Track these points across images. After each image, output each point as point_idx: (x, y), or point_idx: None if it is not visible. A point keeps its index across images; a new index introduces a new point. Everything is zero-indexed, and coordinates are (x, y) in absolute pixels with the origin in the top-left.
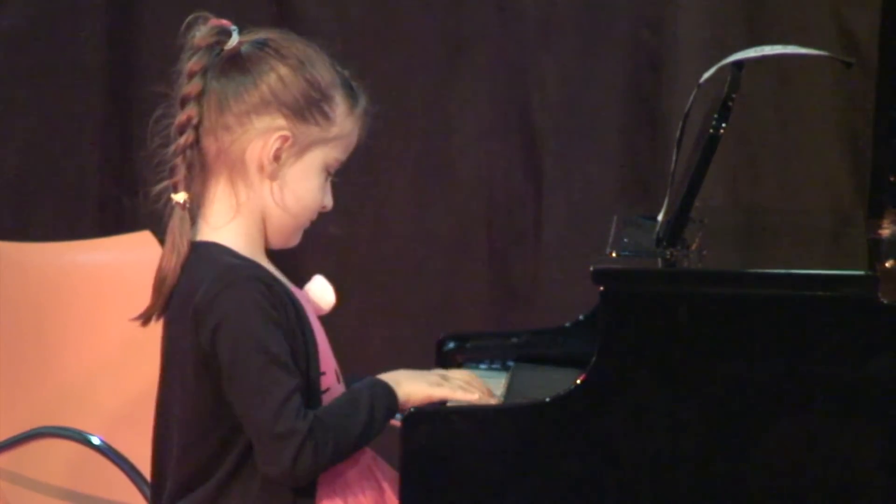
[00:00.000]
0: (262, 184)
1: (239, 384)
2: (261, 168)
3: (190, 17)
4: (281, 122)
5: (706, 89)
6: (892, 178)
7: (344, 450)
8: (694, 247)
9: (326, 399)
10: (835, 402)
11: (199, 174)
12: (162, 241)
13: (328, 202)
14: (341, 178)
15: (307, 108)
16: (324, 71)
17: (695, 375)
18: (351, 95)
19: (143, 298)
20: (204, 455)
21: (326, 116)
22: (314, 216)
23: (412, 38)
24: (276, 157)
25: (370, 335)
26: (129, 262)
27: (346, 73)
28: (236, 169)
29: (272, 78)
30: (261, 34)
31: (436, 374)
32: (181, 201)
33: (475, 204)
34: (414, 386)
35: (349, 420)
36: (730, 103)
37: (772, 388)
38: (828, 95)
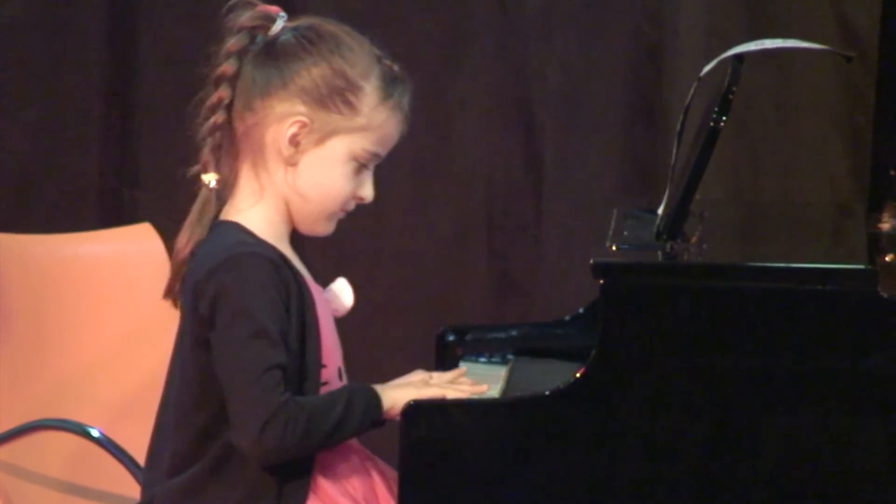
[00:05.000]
0: (280, 168)
1: (225, 349)
2: (279, 152)
3: (233, 1)
4: (300, 107)
5: (707, 82)
6: (892, 173)
7: (314, 439)
8: (694, 240)
9: (323, 392)
10: (835, 396)
11: (228, 156)
12: (162, 234)
13: (364, 193)
14: None
15: (329, 95)
16: (357, 61)
17: (694, 369)
18: (386, 87)
19: (144, 290)
20: (193, 434)
21: (351, 106)
22: (345, 206)
23: (412, 32)
24: (295, 143)
25: (370, 328)
26: (130, 254)
27: (392, 65)
28: (259, 152)
29: (298, 65)
30: (304, 20)
31: (418, 374)
32: (208, 182)
33: (475, 197)
34: (400, 392)
35: (324, 410)
36: (730, 96)
37: (771, 381)
38: (828, 89)
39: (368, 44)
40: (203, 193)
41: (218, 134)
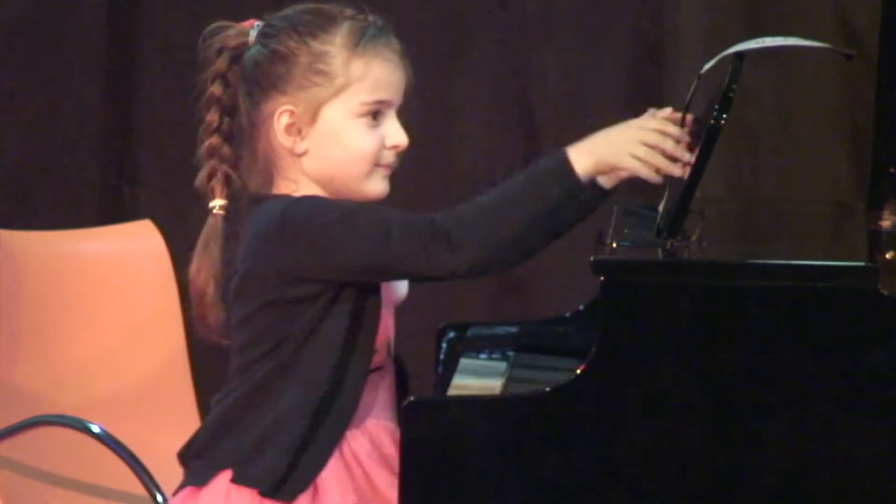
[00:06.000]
0: (297, 161)
1: (330, 241)
2: (287, 148)
3: (209, 28)
4: (282, 98)
5: (707, 81)
6: (892, 170)
7: (494, 220)
8: (694, 238)
9: (372, 378)
10: (835, 392)
11: (258, 173)
12: (162, 230)
13: (396, 139)
14: None
15: (301, 75)
16: (317, 30)
17: (694, 365)
18: (354, 39)
19: (144, 286)
20: (246, 353)
21: (324, 73)
22: (381, 160)
23: (413, 31)
24: (293, 132)
25: None
26: (130, 251)
27: (360, 16)
28: (276, 157)
29: (267, 64)
30: (262, 20)
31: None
32: (213, 208)
33: (476, 194)
34: (597, 143)
35: (490, 193)
36: (731, 94)
37: (772, 378)
38: (828, 87)
39: (330, 7)
40: (209, 221)
41: (216, 156)
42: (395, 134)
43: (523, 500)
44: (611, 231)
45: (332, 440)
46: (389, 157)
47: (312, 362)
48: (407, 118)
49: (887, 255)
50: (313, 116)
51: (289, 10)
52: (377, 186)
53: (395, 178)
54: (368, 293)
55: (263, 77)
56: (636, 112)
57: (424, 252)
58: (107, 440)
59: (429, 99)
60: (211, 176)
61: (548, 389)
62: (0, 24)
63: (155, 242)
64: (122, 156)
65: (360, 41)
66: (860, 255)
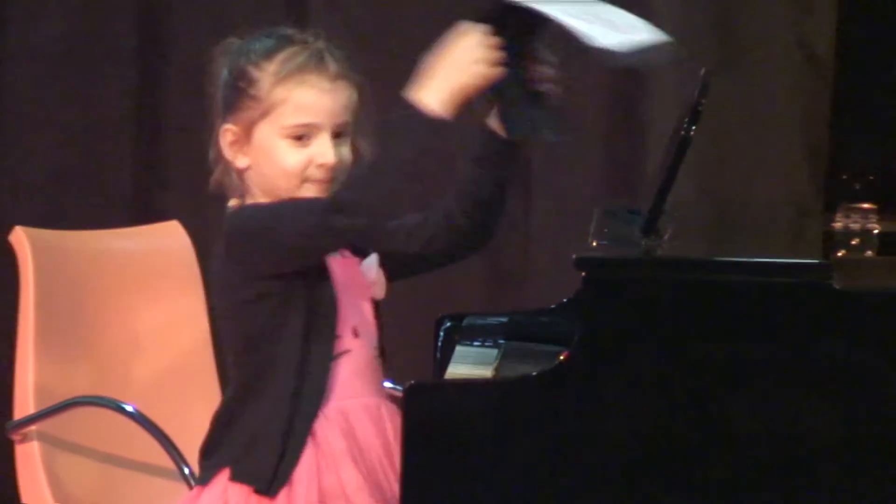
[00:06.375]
0: (247, 174)
1: (252, 216)
2: (235, 166)
3: (220, 44)
4: (228, 117)
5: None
6: (845, 176)
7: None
8: (667, 237)
9: (343, 363)
10: (793, 378)
11: (235, 189)
12: (189, 231)
13: (321, 159)
14: None
15: (238, 98)
16: (255, 56)
17: (666, 352)
18: (282, 67)
19: (173, 281)
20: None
21: (253, 97)
22: (307, 175)
23: (412, 48)
24: (234, 149)
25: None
26: (160, 249)
27: (300, 38)
28: (240, 176)
29: (214, 89)
30: (229, 41)
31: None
32: (229, 208)
33: None
34: (445, 77)
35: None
36: (699, 108)
37: (735, 362)
38: (789, 101)
39: (282, 34)
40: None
41: (222, 160)
42: (321, 154)
43: (513, 472)
44: (592, 231)
45: (305, 430)
46: (318, 173)
47: (282, 356)
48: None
49: (839, 254)
50: (248, 135)
51: (253, 35)
52: (318, 194)
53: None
54: (319, 284)
55: (221, 96)
56: (615, 124)
57: (324, 224)
58: (139, 419)
59: None
60: (222, 177)
61: (535, 374)
62: (41, 43)
63: (182, 241)
64: (151, 162)
65: (285, 68)
66: (815, 253)
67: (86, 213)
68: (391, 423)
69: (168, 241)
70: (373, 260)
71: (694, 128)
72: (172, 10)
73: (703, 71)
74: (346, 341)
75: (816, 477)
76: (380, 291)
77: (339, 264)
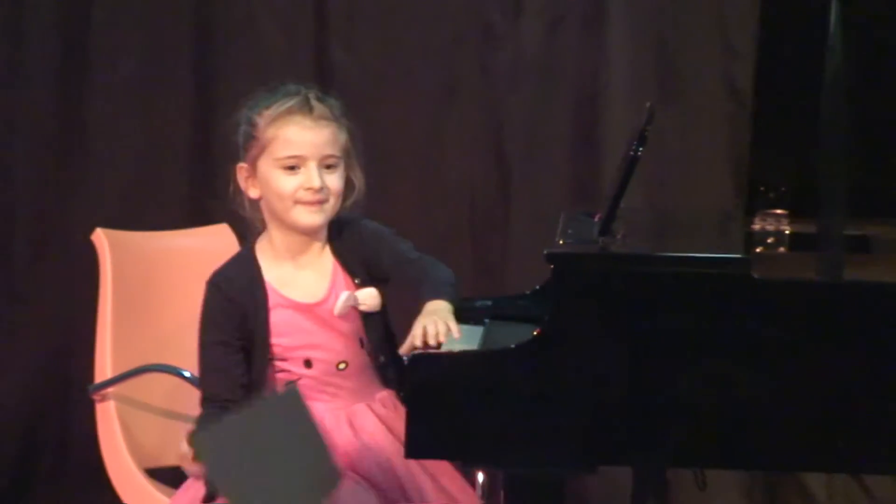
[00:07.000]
0: (262, 204)
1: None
2: (249, 196)
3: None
4: (243, 156)
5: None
6: (762, 189)
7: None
8: (619, 236)
9: (302, 385)
10: (717, 349)
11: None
12: (235, 231)
13: (308, 184)
14: (369, 182)
15: (247, 140)
16: (260, 106)
17: (619, 328)
18: (273, 112)
19: None
20: None
21: (254, 137)
22: (298, 198)
23: (415, 83)
24: (248, 182)
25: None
26: (211, 247)
27: (294, 90)
28: (253, 206)
29: (233, 137)
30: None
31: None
32: None
33: (461, 204)
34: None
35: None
36: (646, 134)
37: (672, 337)
38: (717, 127)
39: (283, 88)
40: None
41: (240, 197)
42: (308, 179)
43: (496, 422)
44: (558, 231)
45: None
46: (306, 196)
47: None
48: (411, 144)
49: (757, 250)
50: (253, 169)
51: (262, 88)
52: (302, 218)
53: (401, 189)
54: (256, 337)
55: (237, 140)
56: (578, 145)
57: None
58: (194, 382)
59: (427, 130)
60: (251, 214)
61: (513, 346)
62: (118, 81)
63: (229, 239)
64: (204, 176)
65: (276, 111)
66: (738, 249)
67: (152, 217)
68: (358, 426)
69: (218, 239)
70: (343, 296)
71: (641, 149)
72: (222, 55)
73: (648, 104)
74: (296, 373)
75: (736, 428)
76: (371, 305)
77: (302, 309)
